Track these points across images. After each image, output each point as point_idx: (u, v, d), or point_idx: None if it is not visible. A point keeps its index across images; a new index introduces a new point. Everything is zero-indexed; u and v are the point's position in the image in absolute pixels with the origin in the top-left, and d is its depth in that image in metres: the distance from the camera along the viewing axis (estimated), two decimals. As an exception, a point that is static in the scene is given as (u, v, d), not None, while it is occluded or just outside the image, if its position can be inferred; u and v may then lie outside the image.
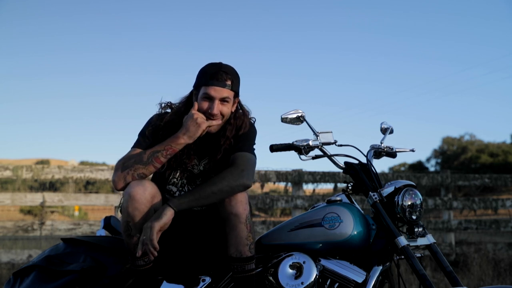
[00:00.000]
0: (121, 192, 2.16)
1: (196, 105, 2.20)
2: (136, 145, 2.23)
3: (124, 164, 2.12)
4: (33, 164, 5.63)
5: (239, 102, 2.34)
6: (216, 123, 2.22)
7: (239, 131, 2.27)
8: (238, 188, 2.09)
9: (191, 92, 2.32)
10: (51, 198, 5.32)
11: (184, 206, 2.07)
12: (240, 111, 2.35)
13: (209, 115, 2.19)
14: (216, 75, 2.19)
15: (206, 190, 2.08)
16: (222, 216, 2.12)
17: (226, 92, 2.20)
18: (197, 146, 2.28)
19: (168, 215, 2.02)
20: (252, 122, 2.37)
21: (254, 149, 2.29)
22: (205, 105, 2.20)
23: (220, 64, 2.25)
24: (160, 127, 2.26)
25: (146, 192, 2.06)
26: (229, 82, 2.21)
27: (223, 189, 2.07)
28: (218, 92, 2.19)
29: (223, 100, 2.21)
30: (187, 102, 2.31)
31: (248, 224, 2.10)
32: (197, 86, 2.26)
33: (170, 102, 2.35)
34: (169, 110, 2.34)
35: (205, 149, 2.31)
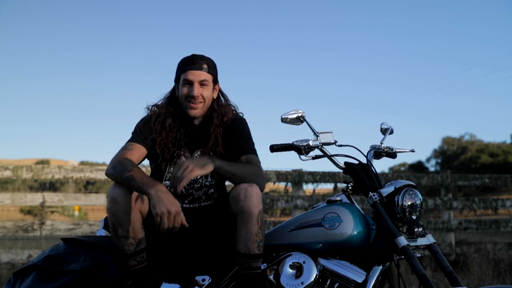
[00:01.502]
0: None
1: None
2: (131, 139, 2.31)
3: (117, 164, 2.14)
4: (33, 164, 5.62)
5: (221, 91, 2.45)
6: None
7: (224, 118, 2.37)
8: (261, 181, 2.19)
9: (174, 88, 2.42)
10: (51, 198, 5.32)
11: (221, 171, 2.12)
12: (222, 99, 2.45)
13: (190, 98, 2.29)
14: (191, 60, 2.33)
15: (238, 168, 2.17)
16: (233, 211, 2.13)
17: (204, 75, 2.31)
18: (188, 138, 2.35)
19: (209, 169, 2.06)
20: (241, 116, 2.45)
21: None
22: (186, 89, 2.31)
23: (193, 54, 2.37)
24: (150, 124, 2.34)
25: (127, 194, 2.08)
26: (205, 66, 2.32)
27: (249, 174, 2.15)
28: (196, 75, 2.30)
29: (202, 84, 2.31)
30: (170, 97, 2.42)
31: (259, 221, 2.10)
32: (177, 78, 2.38)
33: (156, 104, 2.44)
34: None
35: (196, 141, 2.36)
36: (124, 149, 2.26)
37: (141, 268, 2.14)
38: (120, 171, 2.10)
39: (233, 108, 2.45)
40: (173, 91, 2.43)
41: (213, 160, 2.13)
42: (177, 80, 2.39)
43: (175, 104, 2.38)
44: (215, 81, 2.39)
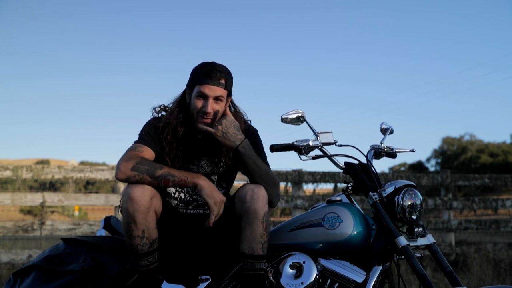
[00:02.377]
0: (121, 192, 2.16)
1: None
2: (140, 141, 2.22)
3: (137, 165, 2.09)
4: (33, 164, 5.63)
5: (231, 101, 2.36)
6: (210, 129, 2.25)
7: None
8: (275, 195, 2.25)
9: (184, 91, 2.34)
10: (51, 198, 5.32)
11: (244, 156, 2.19)
12: (233, 109, 2.36)
13: (203, 114, 2.21)
14: (210, 74, 2.21)
15: (262, 165, 2.24)
16: (238, 211, 2.13)
17: (220, 91, 2.22)
18: (196, 146, 2.30)
19: (231, 144, 2.18)
20: (249, 123, 2.40)
21: None
22: (200, 103, 2.22)
23: (213, 63, 2.27)
24: (159, 130, 2.26)
25: (145, 193, 2.05)
26: (223, 81, 2.23)
27: (269, 177, 2.23)
28: (213, 90, 2.21)
29: (217, 99, 2.22)
30: (180, 101, 2.33)
31: (265, 222, 2.10)
32: (191, 84, 2.28)
33: (164, 105, 2.36)
34: (164, 113, 2.34)
35: (203, 149, 2.32)
36: (133, 150, 2.17)
37: (153, 269, 2.13)
38: (146, 170, 2.07)
39: (243, 116, 2.38)
40: (183, 96, 2.33)
41: (244, 142, 2.18)
42: (190, 86, 2.28)
43: (185, 111, 2.30)
44: (229, 94, 2.30)
